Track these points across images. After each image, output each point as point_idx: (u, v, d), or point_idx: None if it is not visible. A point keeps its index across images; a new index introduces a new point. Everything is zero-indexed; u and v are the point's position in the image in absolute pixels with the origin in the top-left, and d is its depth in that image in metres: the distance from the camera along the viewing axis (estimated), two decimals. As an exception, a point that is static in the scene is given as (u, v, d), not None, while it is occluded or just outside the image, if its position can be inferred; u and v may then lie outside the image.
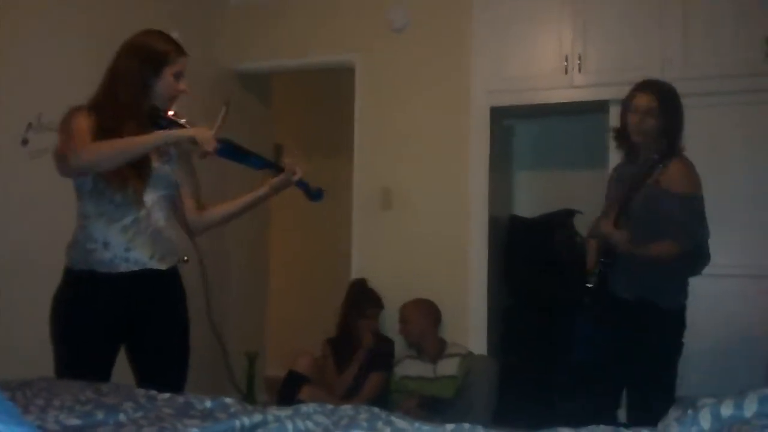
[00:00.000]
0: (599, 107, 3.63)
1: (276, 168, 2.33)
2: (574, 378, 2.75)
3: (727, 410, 1.13)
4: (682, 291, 2.62)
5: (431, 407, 3.59)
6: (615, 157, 3.07)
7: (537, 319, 3.94)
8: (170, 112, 2.16)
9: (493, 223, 3.99)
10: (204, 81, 3.90)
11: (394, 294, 3.97)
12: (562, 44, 3.73)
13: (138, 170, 2.07)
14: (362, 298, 3.97)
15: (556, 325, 3.74)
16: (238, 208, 2.37)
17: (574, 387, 2.77)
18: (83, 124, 2.03)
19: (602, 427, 1.21)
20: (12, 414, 0.98)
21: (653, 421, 1.28)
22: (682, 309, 2.60)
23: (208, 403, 1.59)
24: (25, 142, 3.06)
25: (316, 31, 4.36)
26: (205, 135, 2.03)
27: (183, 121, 2.15)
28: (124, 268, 2.09)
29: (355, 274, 4.16)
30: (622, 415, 2.74)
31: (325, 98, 5.46)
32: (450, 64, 4.05)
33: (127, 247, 2.09)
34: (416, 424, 1.36)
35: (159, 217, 2.16)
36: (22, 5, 3.14)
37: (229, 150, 2.18)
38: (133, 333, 2.16)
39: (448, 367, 3.73)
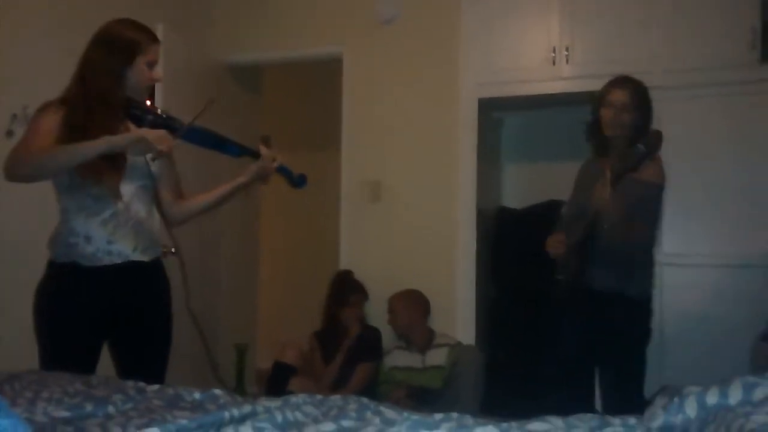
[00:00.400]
0: (586, 99, 3.63)
1: (256, 155, 2.27)
2: (562, 370, 2.79)
3: (712, 398, 1.14)
4: (651, 280, 2.73)
5: (420, 397, 3.61)
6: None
7: (523, 311, 3.95)
8: (147, 102, 2.13)
9: (482, 215, 4.00)
10: (194, 73, 3.88)
11: (382, 286, 3.97)
12: (550, 36, 3.73)
13: (112, 163, 2.02)
14: (346, 288, 3.97)
15: (543, 317, 3.75)
16: (217, 198, 2.32)
17: (559, 379, 2.81)
18: (47, 124, 2.00)
19: (590, 415, 1.22)
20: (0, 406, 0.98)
21: (628, 408, 1.30)
22: (650, 298, 2.71)
23: (198, 395, 1.59)
24: (9, 133, 3.03)
25: (306, 23, 4.34)
26: (157, 135, 1.97)
27: (159, 111, 2.12)
28: (107, 261, 2.07)
29: (343, 266, 4.16)
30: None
31: (316, 90, 5.44)
32: (438, 56, 4.05)
33: (110, 240, 2.07)
34: (405, 414, 1.37)
35: (139, 209, 2.13)
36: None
37: (202, 136, 2.13)
38: (117, 325, 2.15)
39: (437, 357, 3.74)
